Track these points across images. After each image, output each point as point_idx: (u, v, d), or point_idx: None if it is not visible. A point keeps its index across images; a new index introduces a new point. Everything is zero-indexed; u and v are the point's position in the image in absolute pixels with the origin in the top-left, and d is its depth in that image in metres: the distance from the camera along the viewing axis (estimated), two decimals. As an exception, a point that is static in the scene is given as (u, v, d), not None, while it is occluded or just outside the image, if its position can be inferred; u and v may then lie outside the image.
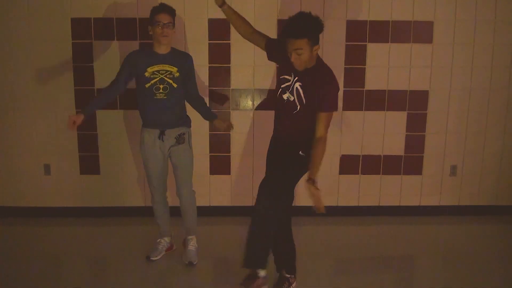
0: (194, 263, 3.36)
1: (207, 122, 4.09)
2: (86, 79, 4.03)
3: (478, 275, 3.25)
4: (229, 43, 4.01)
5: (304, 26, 2.54)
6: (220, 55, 4.03)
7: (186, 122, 3.35)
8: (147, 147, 3.27)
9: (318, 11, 3.93)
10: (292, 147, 2.82)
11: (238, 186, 4.27)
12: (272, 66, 4.04)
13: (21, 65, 4.00)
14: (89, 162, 4.18)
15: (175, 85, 3.18)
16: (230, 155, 4.20)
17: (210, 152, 4.18)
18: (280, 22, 3.97)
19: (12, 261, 3.42)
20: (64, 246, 3.72)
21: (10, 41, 3.96)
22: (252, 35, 3.00)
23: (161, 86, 3.15)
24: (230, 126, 3.47)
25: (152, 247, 3.50)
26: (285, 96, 2.77)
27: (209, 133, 4.14)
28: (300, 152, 2.78)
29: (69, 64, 4.01)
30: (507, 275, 3.26)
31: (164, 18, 3.07)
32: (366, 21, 4.02)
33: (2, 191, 4.23)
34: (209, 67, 4.05)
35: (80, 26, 3.95)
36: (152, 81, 3.14)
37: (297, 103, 2.73)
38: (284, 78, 2.79)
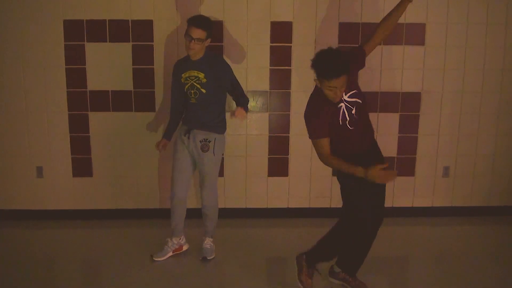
0: (209, 258, 3.44)
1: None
2: (79, 81, 4.02)
3: (471, 276, 3.26)
4: (222, 45, 4.01)
5: (340, 66, 2.53)
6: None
7: (217, 128, 3.37)
8: (177, 138, 3.43)
9: (311, 13, 3.97)
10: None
11: (231, 188, 4.26)
12: (265, 68, 4.05)
13: (13, 67, 3.98)
14: (82, 165, 4.16)
15: (203, 91, 3.26)
16: (223, 157, 4.19)
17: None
18: (273, 24, 3.98)
19: (4, 264, 3.40)
20: (56, 249, 3.70)
21: (2, 43, 3.94)
22: (368, 47, 2.89)
23: (192, 91, 3.28)
24: (242, 116, 3.40)
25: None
26: (349, 115, 2.76)
27: (202, 135, 4.13)
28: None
29: (61, 66, 3.99)
30: (500, 276, 3.27)
31: (194, 32, 3.13)
32: (359, 23, 4.03)
33: (-6, 193, 4.21)
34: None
35: (72, 28, 3.94)
36: (186, 86, 3.31)
37: (354, 114, 2.75)
38: (342, 114, 2.76)
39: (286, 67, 4.07)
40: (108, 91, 4.04)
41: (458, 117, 4.23)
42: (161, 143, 3.52)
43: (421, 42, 4.08)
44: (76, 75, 4.01)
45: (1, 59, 3.97)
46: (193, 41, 3.14)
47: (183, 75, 3.30)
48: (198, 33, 3.13)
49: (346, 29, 4.03)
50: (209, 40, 3.25)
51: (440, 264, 3.50)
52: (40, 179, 4.17)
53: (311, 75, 3.84)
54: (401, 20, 3.98)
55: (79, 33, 3.95)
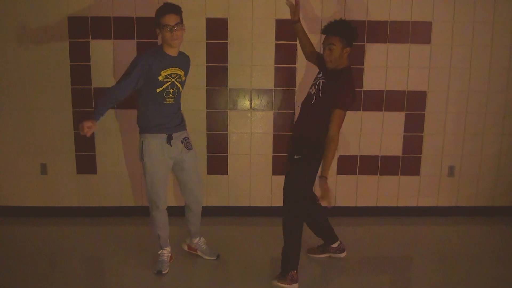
0: (217, 255, 3.46)
1: (205, 122, 4.10)
2: (83, 78, 4.02)
3: (475, 276, 3.25)
4: (227, 42, 4.00)
5: (337, 26, 2.93)
6: (217, 54, 4.02)
7: (185, 125, 3.25)
8: (155, 154, 3.04)
9: (317, 12, 3.95)
10: (300, 145, 3.03)
11: (235, 186, 4.25)
12: (270, 66, 4.04)
13: (17, 64, 3.98)
14: (86, 162, 4.16)
15: (181, 89, 3.12)
16: (227, 155, 4.18)
17: (207, 152, 4.17)
18: (278, 22, 3.96)
19: (8, 261, 3.40)
20: (60, 246, 3.70)
21: (6, 40, 3.94)
22: (312, 53, 3.32)
23: (171, 91, 3.02)
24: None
25: (158, 260, 3.28)
26: (310, 90, 3.05)
27: (207, 133, 4.13)
28: (295, 156, 3.00)
29: (66, 63, 3.99)
30: (504, 276, 3.25)
31: (171, 19, 2.88)
32: (365, 21, 4.01)
33: (-2, 190, 4.22)
34: (207, 66, 4.03)
35: (77, 25, 3.94)
36: (164, 86, 2.99)
37: (314, 96, 2.98)
38: (315, 77, 3.09)
39: (291, 65, 4.05)
40: (113, 88, 4.03)
41: (464, 116, 4.20)
42: (86, 124, 2.67)
43: (427, 41, 4.06)
44: (80, 72, 4.00)
45: (5, 56, 3.97)
46: (174, 29, 2.88)
47: (162, 72, 2.95)
48: (174, 18, 2.89)
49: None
50: (184, 27, 2.97)
51: (445, 264, 3.49)
52: (44, 176, 4.17)
53: (316, 73, 3.83)
54: (407, 18, 4.01)
55: (84, 30, 3.94)
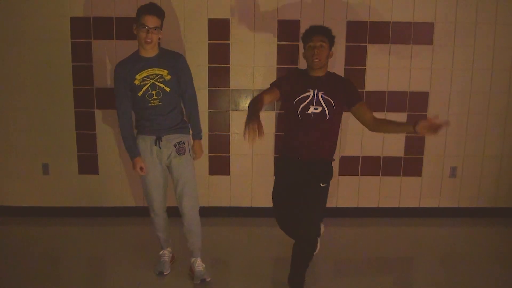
0: (208, 279, 3.09)
1: (207, 122, 4.10)
2: (85, 78, 4.02)
3: (477, 277, 3.24)
4: (229, 43, 4.00)
5: (325, 28, 2.93)
6: (219, 55, 4.02)
7: (185, 128, 3.08)
8: (143, 155, 3.00)
9: (319, 12, 3.95)
10: (321, 170, 2.93)
11: (237, 187, 4.25)
12: (272, 67, 4.04)
13: (20, 64, 3.99)
14: (88, 162, 4.17)
15: (167, 89, 2.92)
16: (229, 156, 4.19)
17: (209, 153, 4.17)
18: (280, 22, 3.96)
19: (10, 261, 3.40)
20: (62, 246, 3.71)
21: (9, 40, 3.95)
22: (268, 101, 2.98)
23: (154, 92, 2.90)
24: (198, 156, 3.17)
25: (159, 260, 3.28)
26: (310, 111, 2.87)
27: (208, 133, 4.13)
28: (321, 184, 2.89)
29: (68, 63, 3.99)
30: (506, 277, 3.25)
31: (150, 21, 2.81)
32: (367, 22, 4.01)
33: (1, 190, 4.22)
34: (209, 67, 4.04)
35: (79, 25, 3.94)
36: (144, 88, 2.89)
37: (327, 112, 2.86)
38: (302, 97, 2.89)
39: (293, 66, 4.05)
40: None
41: (466, 117, 4.20)
42: (139, 164, 2.98)
43: (429, 42, 4.05)
44: (82, 72, 4.01)
45: (7, 56, 3.98)
46: (150, 31, 2.80)
47: (137, 76, 2.87)
48: (154, 21, 2.81)
49: (354, 28, 4.01)
50: (161, 33, 2.93)
51: (446, 265, 3.48)
52: (46, 176, 4.18)
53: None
54: (409, 19, 4.01)
55: (86, 31, 3.95)
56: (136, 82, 2.88)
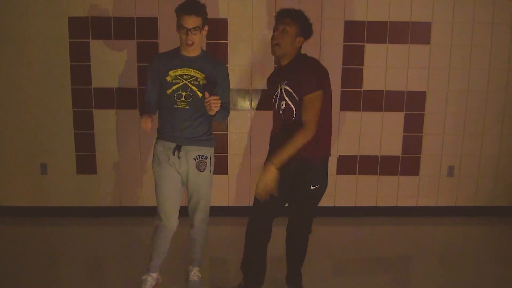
0: None
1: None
2: (83, 78, 4.02)
3: (475, 276, 3.26)
4: (227, 43, 4.01)
5: (290, 10, 2.60)
6: (218, 55, 4.03)
7: (210, 141, 2.85)
8: (160, 162, 2.78)
9: (316, 11, 3.96)
10: (309, 171, 2.61)
11: (236, 186, 4.26)
12: (270, 67, 4.04)
13: (18, 64, 3.98)
14: (86, 162, 4.16)
15: (200, 94, 2.70)
16: (227, 155, 4.19)
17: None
18: (278, 22, 3.97)
19: (8, 261, 3.40)
20: (60, 246, 3.71)
21: (7, 40, 3.95)
22: None
23: (184, 94, 2.69)
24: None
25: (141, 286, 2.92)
26: (281, 107, 2.58)
27: (207, 133, 4.13)
28: (311, 187, 2.63)
29: (66, 63, 3.99)
30: (504, 276, 3.26)
31: (189, 22, 2.60)
32: (364, 21, 4.02)
33: (-2, 190, 4.22)
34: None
35: (77, 25, 3.94)
36: (174, 87, 2.70)
37: (292, 106, 2.52)
38: (276, 93, 2.63)
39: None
40: (113, 88, 4.04)
41: (463, 116, 4.21)
42: (149, 119, 2.64)
43: (427, 41, 4.07)
44: (80, 72, 4.01)
45: (5, 55, 3.97)
46: (190, 32, 2.62)
47: (171, 72, 2.71)
48: (193, 21, 2.61)
49: (352, 28, 4.02)
50: (207, 28, 2.72)
51: (444, 264, 3.50)
52: (44, 176, 4.17)
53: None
54: (406, 19, 4.02)
55: (84, 30, 3.95)
56: (168, 78, 2.70)
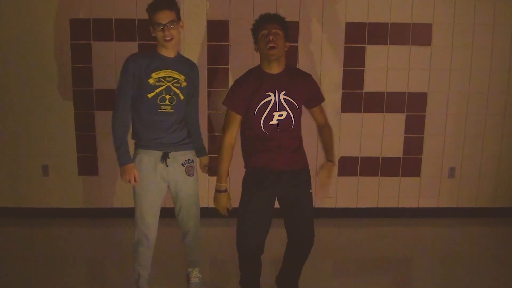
0: None
1: (206, 124, 4.11)
2: (85, 80, 4.03)
3: (476, 277, 3.26)
4: (228, 44, 4.01)
5: (276, 16, 2.57)
6: (219, 56, 4.03)
7: (191, 144, 2.79)
8: (146, 174, 2.62)
9: (317, 13, 3.97)
10: (301, 177, 2.65)
11: (236, 188, 4.25)
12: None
13: (19, 66, 3.99)
14: (87, 163, 4.17)
15: (182, 97, 2.62)
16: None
17: (208, 154, 4.16)
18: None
19: (10, 263, 3.41)
20: (62, 247, 3.71)
21: (8, 41, 3.95)
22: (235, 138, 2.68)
23: (168, 97, 2.57)
24: (205, 170, 3.00)
25: None
26: (275, 119, 2.52)
27: (208, 135, 4.14)
28: (310, 190, 2.68)
29: (67, 64, 4.00)
30: (505, 277, 3.26)
31: (163, 17, 2.48)
32: (365, 23, 4.02)
33: (1, 191, 4.22)
34: (208, 68, 4.05)
35: (79, 27, 3.95)
36: (157, 90, 2.55)
37: (292, 117, 2.53)
38: (264, 102, 2.51)
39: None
40: (114, 90, 4.04)
41: (464, 117, 4.21)
42: (132, 172, 2.59)
43: (428, 43, 4.07)
44: (82, 73, 4.02)
45: (7, 57, 3.98)
46: (166, 27, 2.48)
47: (153, 74, 2.54)
48: (167, 15, 2.49)
49: (353, 29, 4.02)
50: (182, 23, 2.62)
51: (445, 265, 3.50)
52: (46, 178, 4.18)
53: (317, 75, 3.85)
54: (407, 20, 4.02)
55: (86, 32, 3.96)
56: (151, 81, 2.55)
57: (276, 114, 2.51)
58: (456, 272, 3.36)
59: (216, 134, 4.13)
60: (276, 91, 2.51)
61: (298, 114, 2.58)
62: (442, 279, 3.26)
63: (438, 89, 4.16)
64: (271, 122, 2.52)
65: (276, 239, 3.68)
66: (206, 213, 4.23)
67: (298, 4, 3.96)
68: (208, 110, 4.11)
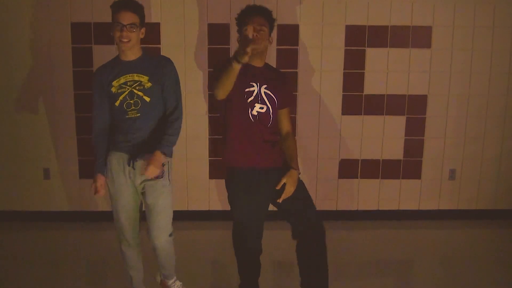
0: None
1: (206, 126, 4.12)
2: (86, 83, 4.03)
3: (477, 280, 3.26)
4: (229, 47, 4.02)
5: (262, 8, 2.58)
6: (219, 60, 4.03)
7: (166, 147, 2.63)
8: (114, 174, 2.60)
9: (317, 16, 3.98)
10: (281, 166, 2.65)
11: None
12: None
13: (20, 69, 4.01)
14: (89, 167, 4.15)
15: (147, 99, 2.52)
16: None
17: (209, 157, 4.18)
18: (278, 27, 3.98)
19: (11, 265, 3.41)
20: (63, 251, 3.72)
21: (9, 45, 3.97)
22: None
23: (132, 102, 2.51)
24: (146, 172, 2.53)
25: None
26: (255, 111, 2.52)
27: (208, 138, 4.14)
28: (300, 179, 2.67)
29: (68, 68, 4.01)
30: (506, 279, 3.26)
31: (125, 17, 2.42)
32: (365, 26, 4.03)
33: (2, 195, 4.23)
34: (209, 71, 4.05)
35: (80, 31, 3.96)
36: (121, 97, 2.51)
37: (271, 112, 2.56)
38: (248, 91, 2.51)
39: (293, 70, 4.07)
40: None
41: (464, 120, 4.22)
42: (98, 182, 2.61)
43: (428, 45, 4.08)
44: (83, 77, 4.03)
45: (9, 61, 4.00)
46: (125, 28, 2.41)
47: (114, 83, 2.51)
48: (129, 17, 2.42)
49: (353, 32, 4.03)
50: (143, 30, 2.56)
51: (446, 268, 3.50)
52: (47, 181, 4.19)
53: (318, 78, 3.86)
54: (407, 23, 4.03)
55: (87, 36, 3.97)
56: (113, 89, 2.51)
57: (257, 105, 2.53)
58: (457, 274, 3.36)
59: (217, 137, 4.14)
60: (258, 83, 2.54)
61: (275, 112, 2.60)
62: (443, 281, 3.27)
63: (438, 91, 4.16)
64: (252, 112, 2.52)
65: (276, 241, 3.70)
66: (207, 216, 4.26)
67: (298, 7, 3.97)
68: (209, 113, 4.12)
